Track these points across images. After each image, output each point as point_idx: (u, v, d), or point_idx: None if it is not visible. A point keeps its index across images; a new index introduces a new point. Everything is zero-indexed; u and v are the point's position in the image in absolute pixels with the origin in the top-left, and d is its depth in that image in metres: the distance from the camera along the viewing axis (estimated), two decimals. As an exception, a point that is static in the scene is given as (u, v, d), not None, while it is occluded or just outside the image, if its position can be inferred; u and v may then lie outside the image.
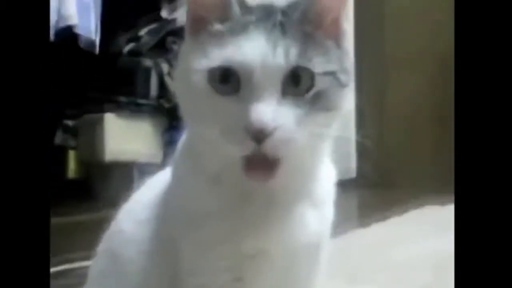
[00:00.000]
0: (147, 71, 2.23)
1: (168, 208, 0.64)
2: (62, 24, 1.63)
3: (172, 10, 2.39)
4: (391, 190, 2.43)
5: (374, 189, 2.40)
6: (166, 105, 2.25)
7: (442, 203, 1.84)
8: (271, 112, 0.50)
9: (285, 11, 0.55)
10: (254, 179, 0.54)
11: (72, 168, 2.36)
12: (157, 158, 2.26)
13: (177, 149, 0.65)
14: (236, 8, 0.55)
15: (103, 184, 2.30)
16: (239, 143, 0.51)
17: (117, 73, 2.29)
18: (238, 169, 0.54)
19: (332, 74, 0.54)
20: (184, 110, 0.57)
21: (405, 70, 2.88)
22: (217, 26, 0.54)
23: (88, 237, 0.74)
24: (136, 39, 2.32)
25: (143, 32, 2.32)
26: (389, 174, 2.59)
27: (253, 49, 0.51)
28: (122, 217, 0.70)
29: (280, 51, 0.51)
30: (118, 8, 2.05)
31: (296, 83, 0.52)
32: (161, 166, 2.21)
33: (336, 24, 0.57)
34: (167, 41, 2.31)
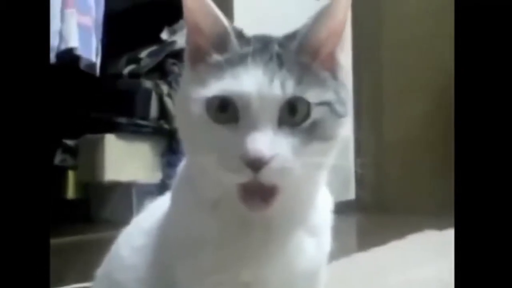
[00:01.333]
0: (147, 93, 2.24)
1: (165, 234, 0.64)
2: (63, 47, 1.65)
3: (172, 32, 2.42)
4: (389, 214, 2.43)
5: (372, 212, 2.40)
6: (166, 126, 2.26)
7: (440, 228, 1.84)
8: (268, 141, 0.51)
9: (281, 43, 0.57)
10: (251, 209, 0.54)
11: (71, 188, 2.36)
12: (156, 179, 2.26)
13: (176, 175, 0.66)
14: (234, 40, 0.56)
15: (102, 205, 2.30)
16: (236, 171, 0.51)
17: (117, 94, 2.31)
18: (235, 197, 0.54)
19: (328, 104, 0.55)
20: (183, 137, 0.58)
21: (403, 99, 2.92)
22: (216, 57, 0.56)
23: (86, 258, 0.74)
24: (136, 61, 2.34)
25: (143, 54, 2.34)
26: (387, 199, 2.59)
27: (251, 80, 0.52)
28: (121, 242, 0.71)
29: (276, 82, 0.52)
30: (118, 31, 2.07)
31: (293, 113, 0.53)
32: (159, 187, 2.21)
33: (331, 57, 0.58)
34: (167, 63, 2.33)
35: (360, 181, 2.35)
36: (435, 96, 2.85)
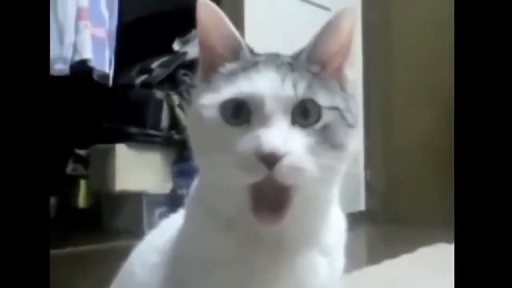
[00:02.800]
0: (159, 103, 2.25)
1: (178, 253, 0.64)
2: (77, 58, 1.67)
3: (184, 43, 2.43)
4: (400, 226, 2.41)
5: (383, 224, 2.38)
6: (177, 136, 2.27)
7: (451, 241, 1.82)
8: (282, 137, 0.52)
9: (291, 57, 0.59)
10: (262, 222, 0.54)
11: (82, 197, 2.38)
12: (166, 189, 2.27)
13: (190, 193, 0.66)
14: (246, 51, 0.58)
15: (112, 214, 2.31)
16: (251, 169, 0.51)
17: (129, 104, 2.33)
18: (247, 210, 0.54)
19: (337, 109, 0.56)
20: (196, 148, 0.58)
21: (413, 108, 2.91)
22: (229, 66, 0.58)
23: (97, 267, 0.75)
24: (148, 71, 2.36)
25: (154, 64, 2.36)
26: (398, 210, 2.57)
27: (264, 82, 0.54)
28: (134, 259, 0.71)
29: (288, 83, 0.54)
30: (130, 41, 2.10)
31: (304, 115, 0.54)
32: (170, 197, 2.22)
33: (340, 72, 0.59)
34: (178, 74, 2.35)
35: (370, 192, 2.34)
36: (445, 105, 2.83)
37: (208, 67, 0.59)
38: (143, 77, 2.35)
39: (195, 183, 0.65)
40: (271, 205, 0.53)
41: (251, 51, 0.59)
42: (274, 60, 0.57)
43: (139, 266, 0.68)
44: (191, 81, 2.33)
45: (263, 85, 0.54)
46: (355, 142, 0.57)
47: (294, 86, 0.54)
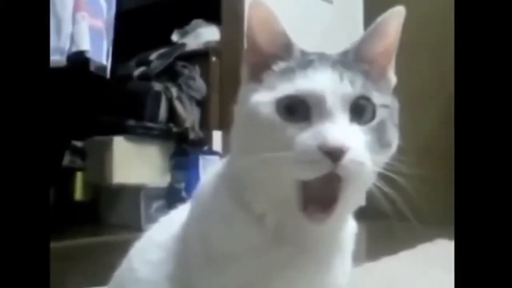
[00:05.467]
0: (157, 95, 2.24)
1: (188, 249, 0.63)
2: (74, 49, 1.65)
3: (182, 34, 2.42)
4: (400, 222, 2.40)
5: (383, 220, 2.37)
6: (175, 129, 2.26)
7: (451, 237, 1.81)
8: (345, 132, 0.52)
9: (340, 55, 0.60)
10: (312, 220, 0.54)
11: (79, 190, 2.36)
12: (164, 182, 2.26)
13: (204, 188, 0.65)
14: (297, 50, 0.60)
15: (110, 207, 2.30)
16: (315, 163, 0.51)
17: (127, 96, 2.31)
18: (285, 210, 0.55)
19: (388, 108, 0.58)
20: (247, 146, 0.58)
21: (414, 107, 2.91)
22: (282, 64, 0.58)
23: (95, 261, 0.74)
24: (146, 63, 2.34)
25: (153, 56, 2.34)
26: (399, 207, 2.57)
27: (323, 79, 0.55)
28: (134, 255, 0.70)
29: (346, 80, 0.55)
30: (128, 33, 2.08)
31: (361, 112, 0.55)
32: (167, 190, 2.21)
33: (384, 73, 0.61)
34: (177, 66, 2.33)
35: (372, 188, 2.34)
36: (446, 104, 2.84)
37: (259, 66, 0.59)
38: (141, 69, 2.33)
39: (211, 178, 0.64)
40: (321, 203, 0.54)
41: (301, 50, 0.60)
42: (326, 58, 0.58)
43: (140, 263, 0.68)
44: (190, 73, 2.31)
45: (323, 82, 0.54)
46: (396, 141, 0.59)
47: (352, 83, 0.55)
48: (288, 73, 0.56)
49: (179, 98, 2.26)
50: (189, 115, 2.28)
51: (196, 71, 2.32)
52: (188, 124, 2.26)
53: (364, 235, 2.28)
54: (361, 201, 0.61)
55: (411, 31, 3.07)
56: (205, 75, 2.32)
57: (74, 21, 1.65)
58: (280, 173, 0.54)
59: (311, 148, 0.51)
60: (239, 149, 0.59)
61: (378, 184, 0.57)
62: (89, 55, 1.69)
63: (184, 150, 2.29)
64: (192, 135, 2.28)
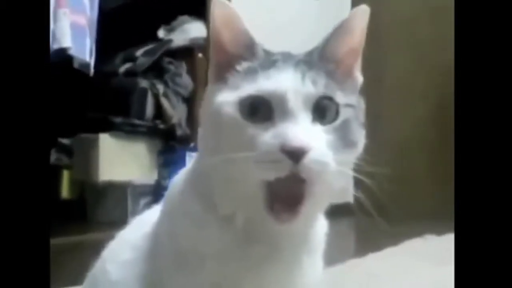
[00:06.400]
0: (143, 92, 2.22)
1: (158, 248, 0.63)
2: (56, 46, 1.64)
3: (169, 30, 2.40)
4: (387, 218, 2.41)
5: (370, 216, 2.38)
6: (162, 126, 2.25)
7: (440, 233, 1.83)
8: (307, 132, 0.52)
9: (305, 54, 0.59)
10: (278, 219, 0.54)
11: (65, 188, 2.35)
12: (151, 179, 2.25)
13: (174, 188, 0.65)
14: (260, 50, 0.59)
15: (97, 205, 2.28)
16: (276, 164, 0.51)
17: (113, 93, 2.29)
18: (253, 210, 0.55)
19: (353, 107, 0.57)
20: (212, 146, 0.57)
21: (402, 102, 2.96)
22: (246, 64, 0.58)
23: (81, 259, 0.73)
24: (132, 59, 2.33)
25: (139, 52, 2.33)
26: (385, 202, 2.59)
27: (284, 79, 0.55)
28: (106, 256, 0.70)
29: (308, 80, 0.55)
30: (114, 29, 2.06)
31: (323, 112, 0.55)
32: (154, 187, 2.19)
33: (350, 72, 0.61)
34: (163, 62, 2.32)
35: (356, 183, 2.35)
36: (434, 98, 2.85)
37: (223, 66, 0.59)
38: (127, 66, 2.32)
39: (180, 178, 0.64)
40: (287, 202, 0.53)
41: (265, 50, 0.60)
42: (290, 58, 0.58)
43: (112, 264, 0.68)
44: (176, 70, 2.30)
45: (285, 81, 0.54)
46: (363, 140, 0.59)
47: (314, 83, 0.55)
48: (251, 73, 0.56)
49: (166, 95, 2.26)
50: (176, 112, 2.27)
51: (182, 68, 2.31)
52: (175, 120, 2.25)
53: (352, 231, 2.30)
54: (331, 200, 0.61)
55: (402, 25, 3.07)
56: (192, 72, 2.31)
57: (55, 18, 1.64)
58: (244, 173, 0.53)
59: (272, 148, 0.51)
60: (205, 149, 0.60)
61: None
62: (71, 52, 1.68)
63: (171, 147, 2.28)
64: (179, 132, 2.27)
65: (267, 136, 0.52)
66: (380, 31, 2.95)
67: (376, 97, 2.92)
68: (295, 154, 0.51)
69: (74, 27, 1.68)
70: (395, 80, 2.95)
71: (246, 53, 0.58)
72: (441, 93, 2.73)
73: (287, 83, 0.54)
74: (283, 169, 0.51)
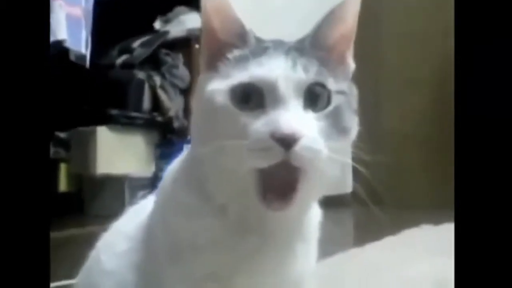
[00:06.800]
0: (140, 84, 2.21)
1: (152, 238, 0.63)
2: (52, 39, 1.62)
3: (165, 22, 2.39)
4: (385, 208, 2.42)
5: (369, 206, 2.39)
6: (159, 118, 2.24)
7: (437, 222, 1.83)
8: (298, 119, 0.52)
9: (296, 42, 0.59)
10: (271, 207, 0.53)
11: (63, 181, 2.34)
12: (149, 172, 2.25)
13: (167, 177, 0.64)
14: (253, 37, 0.59)
15: (94, 198, 2.28)
16: (267, 151, 0.51)
17: (109, 85, 2.28)
18: (246, 199, 0.55)
19: (344, 94, 0.57)
20: (204, 134, 0.57)
21: (399, 93, 2.96)
22: (237, 52, 0.58)
23: (78, 252, 0.72)
24: (129, 51, 2.31)
25: (135, 44, 2.31)
26: (383, 192, 2.60)
27: (276, 66, 0.54)
28: (101, 246, 0.70)
29: (299, 67, 0.55)
30: (110, 20, 2.04)
31: (315, 99, 0.55)
32: (152, 180, 2.18)
33: (343, 59, 0.60)
34: (160, 54, 2.30)
35: (355, 172, 2.35)
36: (431, 90, 2.85)
37: (214, 54, 0.59)
38: (124, 57, 2.30)
39: (174, 168, 0.64)
40: (280, 190, 0.53)
41: (256, 37, 0.59)
42: (281, 45, 0.58)
43: (107, 254, 0.67)
44: (173, 61, 2.29)
45: (276, 69, 0.54)
46: (356, 127, 0.58)
47: (306, 69, 0.54)
48: (242, 60, 0.56)
49: (163, 87, 2.24)
50: (173, 104, 2.26)
51: (179, 59, 2.30)
52: (172, 113, 2.24)
53: (351, 221, 2.30)
54: (328, 190, 0.61)
55: (400, 18, 3.07)
56: (189, 63, 2.30)
57: (51, 10, 1.62)
58: (237, 161, 0.53)
59: (263, 136, 0.51)
60: (198, 138, 0.59)
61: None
62: (67, 44, 1.67)
63: (168, 139, 2.28)
64: (176, 124, 2.26)
65: (259, 124, 0.52)
66: (379, 21, 2.94)
67: (374, 87, 2.92)
68: (286, 141, 0.50)
69: (70, 18, 1.67)
70: (394, 70, 2.94)
71: (237, 41, 0.58)
72: (440, 83, 2.73)
73: (278, 70, 0.54)
74: (274, 157, 0.51)
